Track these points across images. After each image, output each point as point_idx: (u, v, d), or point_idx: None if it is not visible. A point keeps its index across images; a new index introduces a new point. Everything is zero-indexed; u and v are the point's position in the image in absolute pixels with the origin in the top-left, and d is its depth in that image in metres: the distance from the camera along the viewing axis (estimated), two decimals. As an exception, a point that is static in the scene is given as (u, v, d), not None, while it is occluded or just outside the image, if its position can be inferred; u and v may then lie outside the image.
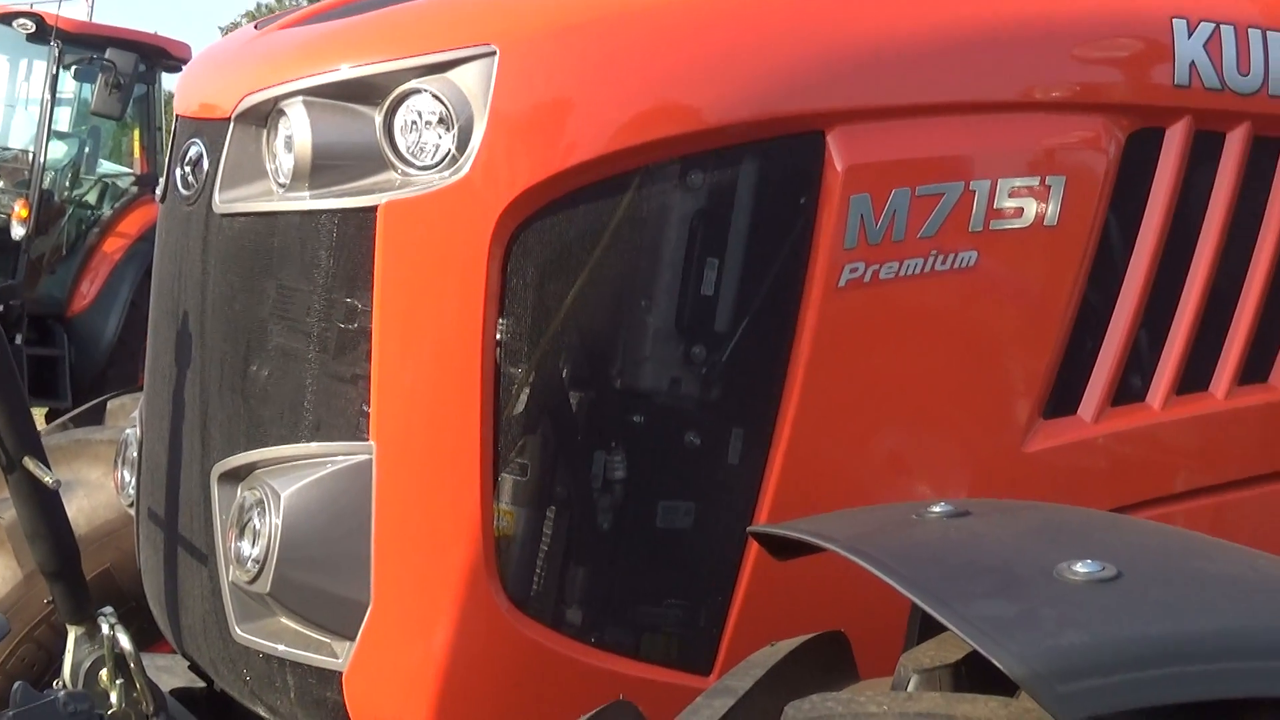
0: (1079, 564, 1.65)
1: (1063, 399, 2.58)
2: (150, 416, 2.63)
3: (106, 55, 12.18)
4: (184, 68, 2.49)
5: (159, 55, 13.15)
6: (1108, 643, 1.55)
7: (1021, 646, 1.51)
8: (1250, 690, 1.61)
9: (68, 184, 13.19)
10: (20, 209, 12.01)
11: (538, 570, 2.28)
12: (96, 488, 3.35)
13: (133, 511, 2.83)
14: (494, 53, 2.16)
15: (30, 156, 12.64)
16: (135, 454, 2.79)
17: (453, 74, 2.19)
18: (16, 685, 2.37)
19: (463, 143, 2.17)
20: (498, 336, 2.21)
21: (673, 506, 2.32)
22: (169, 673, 2.73)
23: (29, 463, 2.37)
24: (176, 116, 2.61)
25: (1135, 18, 2.61)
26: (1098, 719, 1.56)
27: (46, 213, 12.42)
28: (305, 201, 2.26)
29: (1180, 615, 1.66)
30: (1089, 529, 1.90)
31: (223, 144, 2.39)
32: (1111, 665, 1.52)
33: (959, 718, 1.65)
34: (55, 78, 12.54)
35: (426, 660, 2.25)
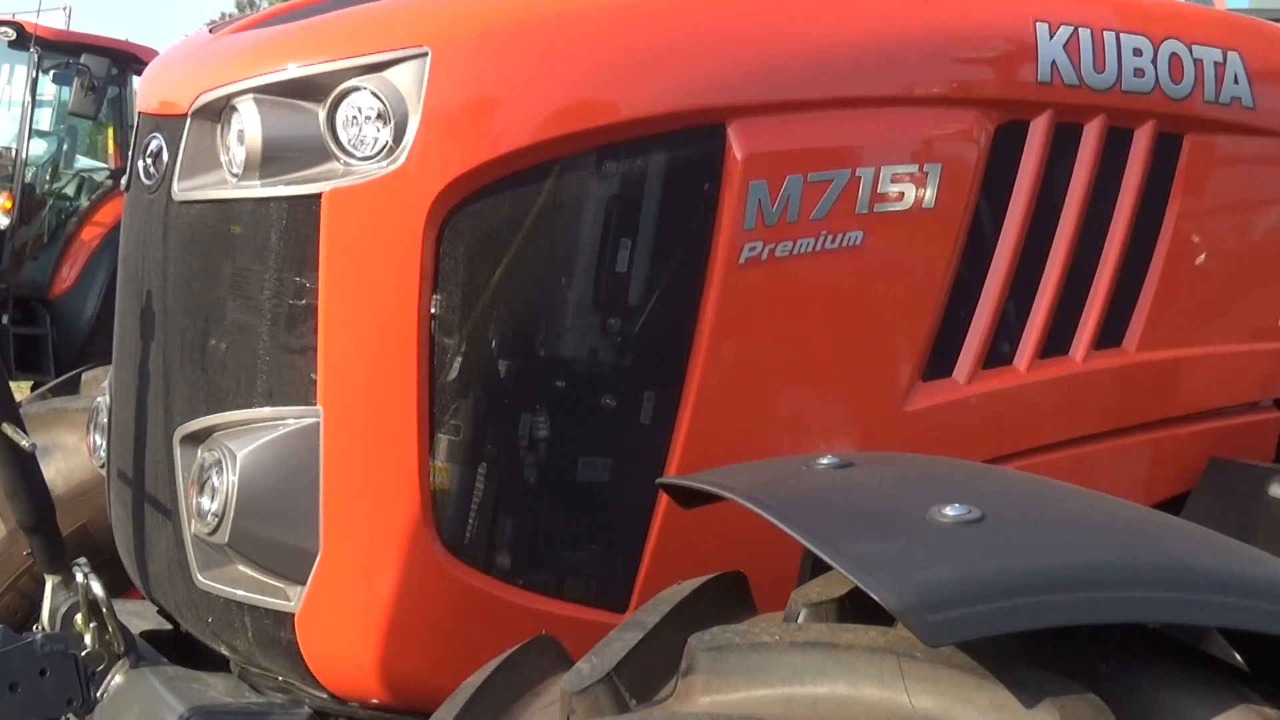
0: (948, 508, 1.69)
1: (939, 363, 2.61)
2: (119, 386, 2.63)
3: (82, 60, 12.42)
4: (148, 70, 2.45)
5: (130, 60, 13.28)
6: (972, 576, 1.60)
7: (896, 582, 1.55)
8: (1097, 617, 1.66)
9: (48, 178, 13.40)
10: (4, 201, 12.31)
11: (470, 520, 2.31)
12: (72, 451, 3.35)
13: (104, 472, 2.82)
14: (426, 54, 2.17)
15: (13, 153, 12.80)
16: (106, 420, 2.79)
17: (389, 73, 2.20)
18: None
19: (398, 135, 2.18)
20: (432, 311, 2.23)
21: (591, 462, 2.36)
22: (139, 617, 2.74)
23: (7, 428, 2.37)
24: (139, 113, 2.61)
25: (1003, 21, 2.65)
26: (963, 645, 1.61)
27: (29, 204, 12.69)
28: (256, 189, 2.27)
29: (1037, 552, 1.71)
30: (958, 477, 1.94)
31: (181, 137, 2.39)
32: (975, 596, 1.56)
33: (842, 645, 1.69)
34: (35, 81, 12.80)
35: (371, 602, 2.26)
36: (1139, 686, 1.69)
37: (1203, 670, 1.78)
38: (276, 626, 2.33)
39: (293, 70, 2.28)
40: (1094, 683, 1.64)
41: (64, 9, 16.01)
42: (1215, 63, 2.79)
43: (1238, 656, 1.99)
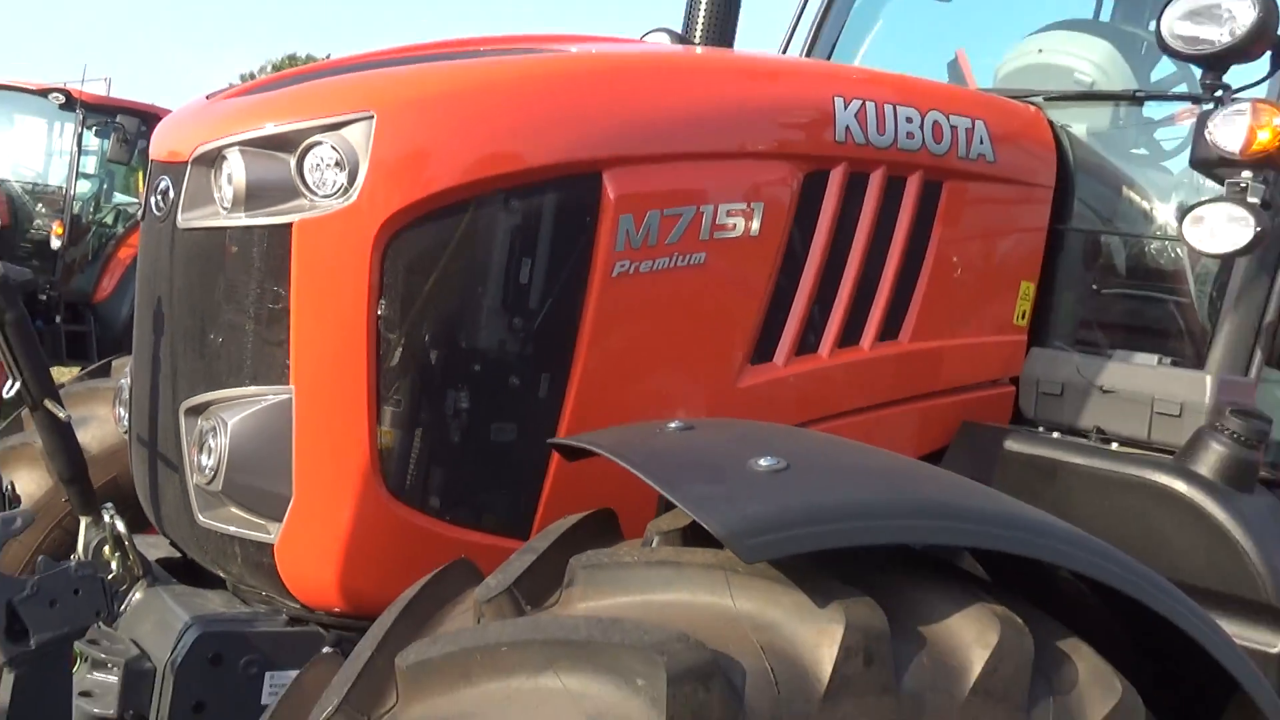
0: (762, 460, 1.71)
1: (763, 351, 2.63)
2: (137, 370, 2.59)
3: (118, 119, 12.52)
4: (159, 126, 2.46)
5: (156, 118, 13.15)
6: (778, 511, 1.61)
7: (722, 515, 1.56)
8: (873, 540, 1.69)
9: (92, 210, 13.44)
10: (57, 228, 12.64)
11: (409, 471, 2.29)
12: (104, 421, 3.30)
13: (126, 437, 2.79)
14: (372, 116, 2.16)
15: (64, 191, 13.00)
16: (127, 396, 2.76)
17: (344, 131, 2.17)
18: (40, 559, 2.35)
19: (351, 179, 2.16)
20: (379, 312, 2.21)
21: (501, 427, 2.35)
22: (154, 548, 2.70)
23: (48, 404, 2.35)
24: (151, 160, 2.57)
25: (810, 96, 2.68)
26: (774, 562, 1.63)
27: (76, 230, 12.92)
28: (242, 220, 2.24)
29: (828, 492, 1.74)
30: (771, 437, 1.97)
31: (183, 180, 2.35)
32: (781, 525, 1.58)
33: (684, 563, 1.70)
34: (80, 135, 12.97)
35: (332, 534, 2.24)
36: (903, 591, 1.72)
37: (954, 580, 1.82)
38: (260, 554, 2.30)
39: (269, 128, 2.24)
40: (871, 589, 1.66)
41: (105, 79, 16.22)
42: (966, 129, 2.84)
43: (981, 570, 2.03)
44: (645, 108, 2.45)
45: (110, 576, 2.46)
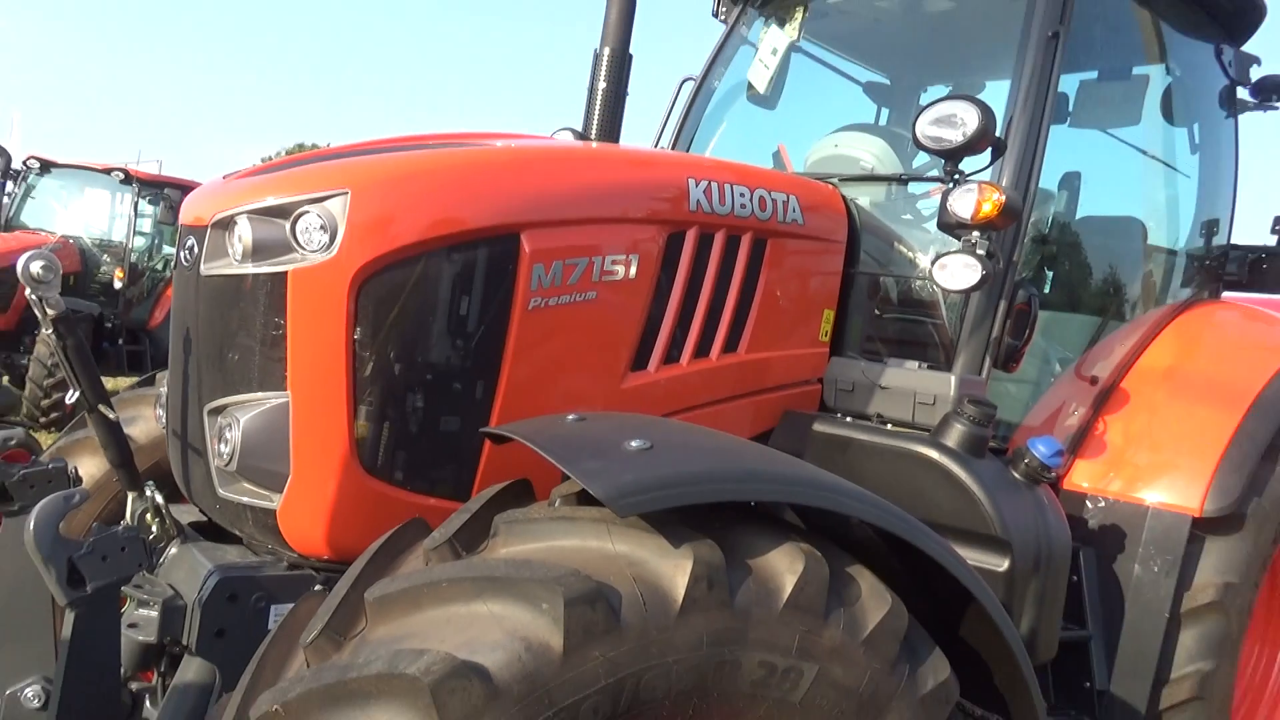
0: (634, 442, 1.71)
1: (640, 361, 2.62)
2: (171, 381, 2.51)
3: (165, 191, 12.41)
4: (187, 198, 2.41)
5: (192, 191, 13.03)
6: (643, 478, 1.62)
7: (603, 482, 1.57)
8: (714, 497, 1.70)
9: (146, 259, 12.91)
10: (119, 273, 12.29)
11: (379, 453, 2.24)
12: (149, 419, 3.19)
13: (165, 431, 2.69)
14: (347, 192, 2.12)
15: (124, 245, 12.60)
16: (165, 401, 2.67)
17: (326, 203, 2.13)
18: (94, 524, 2.27)
19: (332, 238, 2.12)
20: (354, 337, 2.16)
21: (449, 419, 2.31)
22: (187, 514, 2.60)
23: (101, 407, 2.27)
24: (180, 224, 2.50)
25: (671, 178, 2.68)
26: (644, 516, 1.63)
27: (134, 275, 12.50)
28: (250, 269, 2.18)
29: (681, 465, 1.74)
30: (641, 425, 1.97)
31: (204, 238, 2.29)
32: (645, 489, 1.59)
33: (577, 518, 1.71)
34: (136, 204, 12.58)
35: (321, 502, 2.19)
36: (736, 535, 1.74)
37: (774, 527, 1.84)
38: (266, 517, 2.24)
39: (270, 201, 2.19)
40: (713, 534, 1.68)
41: (158, 161, 16.00)
42: (783, 201, 2.87)
43: (799, 521, 2.06)
44: (552, 186, 2.44)
45: (151, 537, 2.39)
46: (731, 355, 2.84)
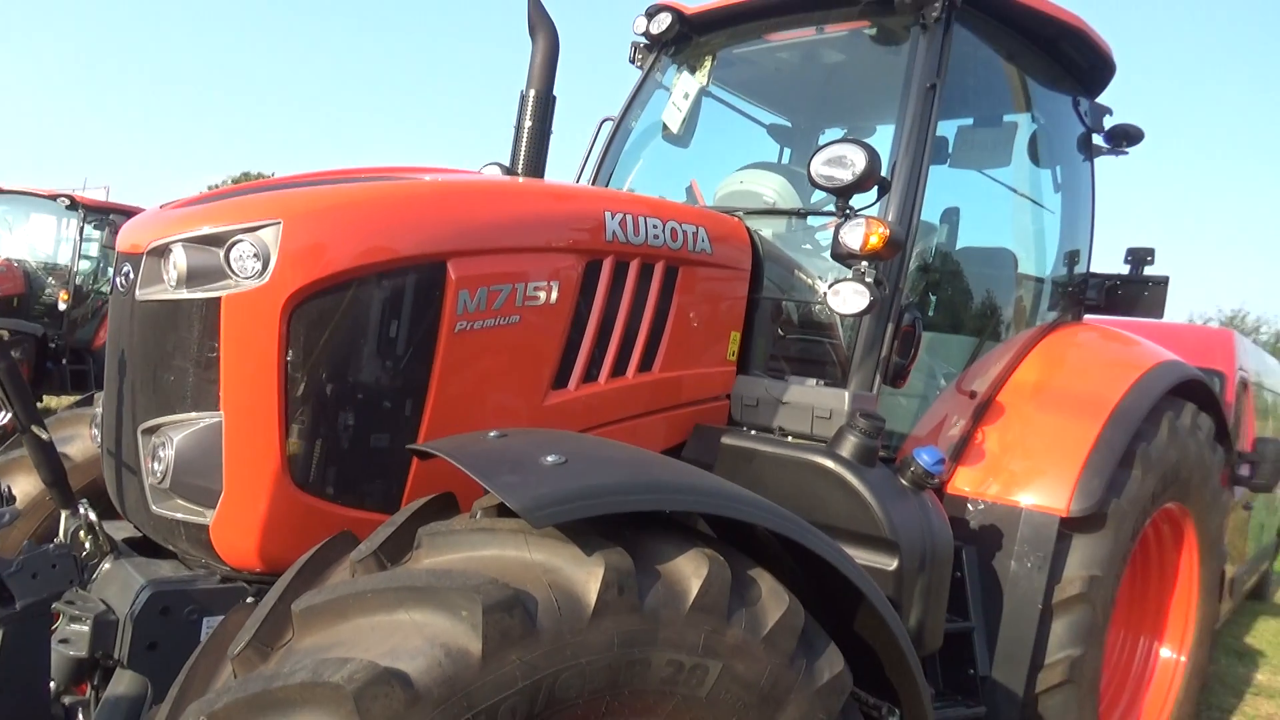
0: (549, 456, 1.69)
1: (561, 380, 2.60)
2: (107, 401, 2.39)
3: (111, 217, 11.98)
4: (123, 226, 2.31)
5: None
6: (556, 491, 1.60)
7: (519, 495, 1.54)
8: (623, 508, 1.69)
9: (91, 281, 12.48)
10: (64, 295, 11.91)
11: (311, 469, 2.17)
12: (86, 438, 3.05)
13: (100, 449, 2.58)
14: (279, 222, 2.07)
15: (69, 268, 12.24)
16: (100, 419, 2.55)
17: (259, 232, 2.07)
18: (25, 542, 2.15)
19: (265, 265, 2.06)
20: (287, 358, 2.10)
21: (378, 436, 2.25)
22: (121, 530, 2.48)
23: (34, 428, 2.15)
24: (117, 251, 2.39)
25: (590, 211, 2.67)
26: (559, 526, 1.61)
27: (78, 296, 12.11)
28: (184, 294, 2.10)
29: (593, 477, 1.72)
30: (557, 440, 1.95)
31: (140, 265, 2.20)
32: (558, 501, 1.57)
33: (497, 529, 1.67)
34: (82, 229, 12.24)
35: (253, 517, 2.11)
36: (645, 542, 1.72)
37: (681, 534, 1.83)
38: (199, 532, 2.16)
39: (206, 230, 2.12)
40: (623, 542, 1.66)
41: (105, 187, 15.53)
42: (693, 232, 2.89)
43: (709, 529, 2.05)
44: (477, 217, 2.41)
45: (84, 553, 2.28)
46: (646, 374, 2.83)
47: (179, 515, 2.17)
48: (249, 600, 2.11)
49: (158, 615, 2.10)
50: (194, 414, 2.12)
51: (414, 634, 1.46)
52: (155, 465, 2.14)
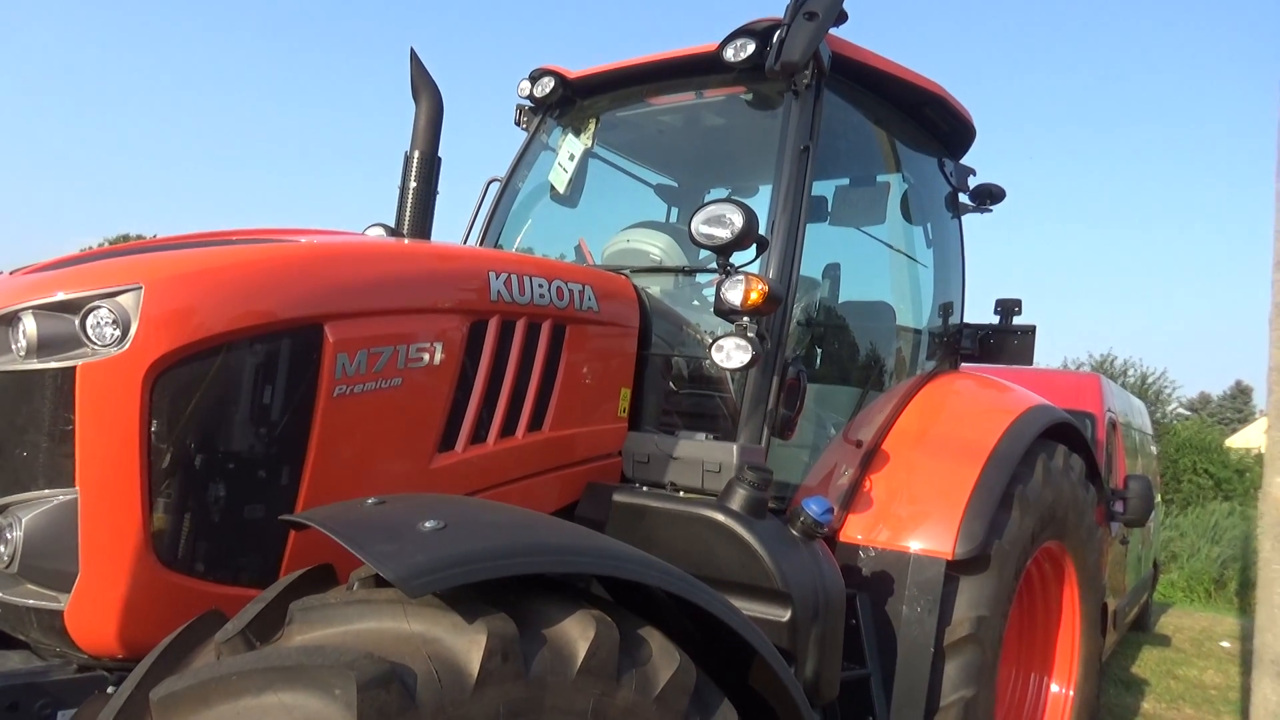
0: (428, 522, 1.65)
1: (448, 442, 2.55)
2: None
3: None
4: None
5: None
6: (434, 558, 1.56)
7: (394, 564, 1.49)
8: (503, 573, 1.65)
9: None
10: None
11: (180, 545, 2.06)
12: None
13: None
14: (140, 287, 1.98)
15: None
16: None
17: (119, 298, 1.97)
18: None
19: (125, 332, 1.96)
20: (151, 428, 2.00)
21: (252, 508, 2.15)
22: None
23: None
24: None
25: (474, 270, 2.66)
26: (439, 594, 1.56)
27: None
28: (35, 364, 1.98)
29: (472, 543, 1.68)
30: (437, 505, 1.90)
31: None
32: (434, 569, 1.52)
33: (373, 600, 1.62)
34: None
35: (113, 600, 1.98)
36: (530, 607, 1.69)
37: (567, 596, 1.80)
38: (52, 619, 2.00)
39: (60, 296, 2.01)
40: (506, 607, 1.63)
41: None
42: (579, 291, 2.91)
43: (603, 589, 2.02)
44: (356, 279, 2.36)
45: None
46: (536, 433, 2.81)
47: (29, 601, 2.01)
48: (109, 690, 1.96)
49: (5, 712, 1.92)
50: (46, 491, 1.99)
51: (283, 718, 1.38)
52: (1, 548, 1.99)
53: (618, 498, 2.87)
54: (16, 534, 1.96)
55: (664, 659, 1.79)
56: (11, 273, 2.27)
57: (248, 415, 2.15)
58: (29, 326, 1.97)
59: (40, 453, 2.00)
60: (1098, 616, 4.45)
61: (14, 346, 2.02)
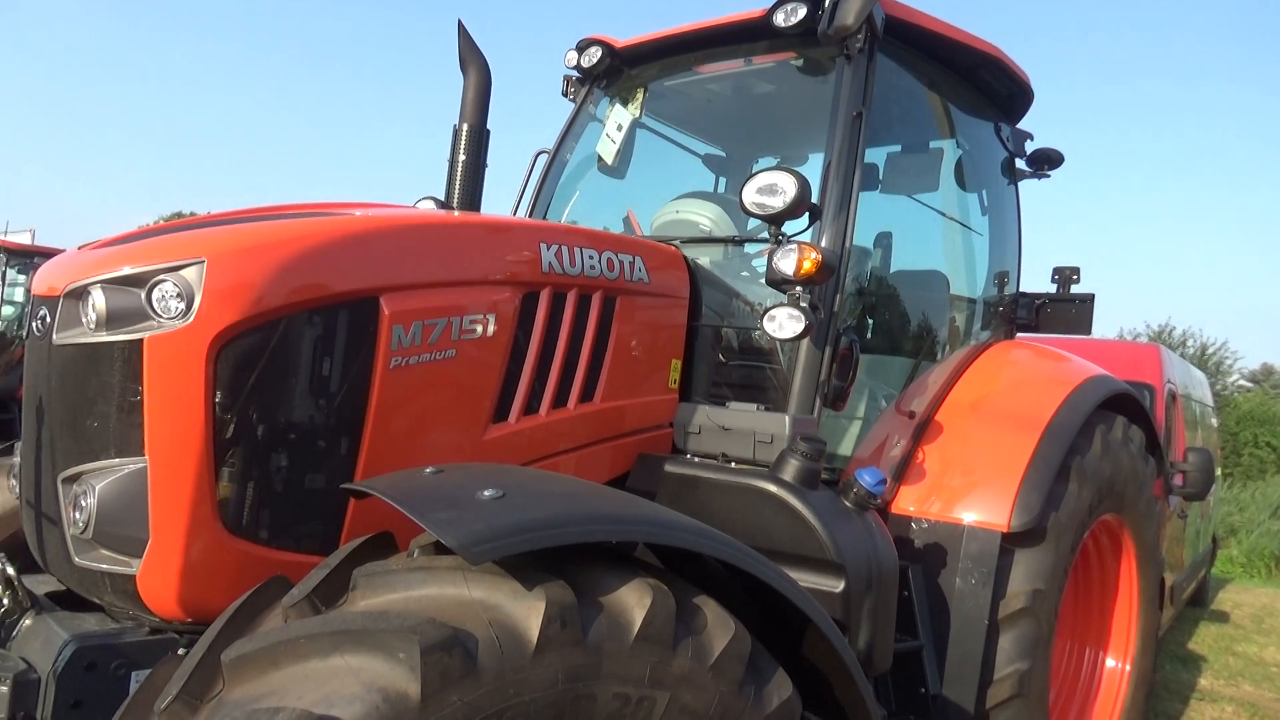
0: (486, 491, 1.67)
1: (501, 413, 2.58)
2: (25, 449, 2.30)
3: (35, 260, 11.61)
4: (39, 269, 2.25)
5: None
6: (493, 526, 1.58)
7: (455, 532, 1.52)
8: (560, 541, 1.66)
9: (16, 328, 12.01)
10: None
11: (244, 513, 2.12)
12: (4, 489, 2.94)
13: (19, 500, 2.47)
14: (203, 261, 2.03)
15: None
16: (19, 470, 2.45)
17: (183, 272, 2.02)
18: None
19: (189, 305, 2.01)
20: (215, 399, 2.05)
21: (313, 476, 2.20)
22: (44, 584, 2.39)
23: None
24: (33, 295, 2.31)
25: (525, 242, 2.67)
26: (498, 562, 1.58)
27: (2, 343, 11.77)
28: (104, 337, 2.04)
29: (530, 511, 1.70)
30: (495, 474, 1.93)
31: (57, 308, 2.13)
32: (495, 536, 1.54)
33: (434, 566, 1.65)
34: (4, 274, 11.93)
35: (182, 565, 2.04)
36: (586, 574, 1.71)
37: (623, 565, 1.82)
38: (125, 583, 2.07)
39: (126, 270, 2.06)
40: (564, 575, 1.65)
41: (30, 230, 15.02)
42: (629, 262, 2.91)
43: (655, 558, 2.04)
44: (410, 252, 2.38)
45: (2, 610, 2.18)
46: (588, 404, 2.82)
47: (103, 566, 2.09)
48: (179, 652, 2.03)
49: (82, 671, 2.01)
50: (117, 460, 2.05)
51: (350, 679, 1.41)
52: (77, 515, 2.06)
53: (669, 468, 2.88)
54: (91, 501, 2.03)
55: (719, 627, 1.80)
56: (79, 248, 2.33)
57: (308, 386, 2.19)
58: (98, 300, 2.03)
59: (111, 423, 2.07)
60: (1155, 591, 4.37)
61: (84, 319, 2.08)
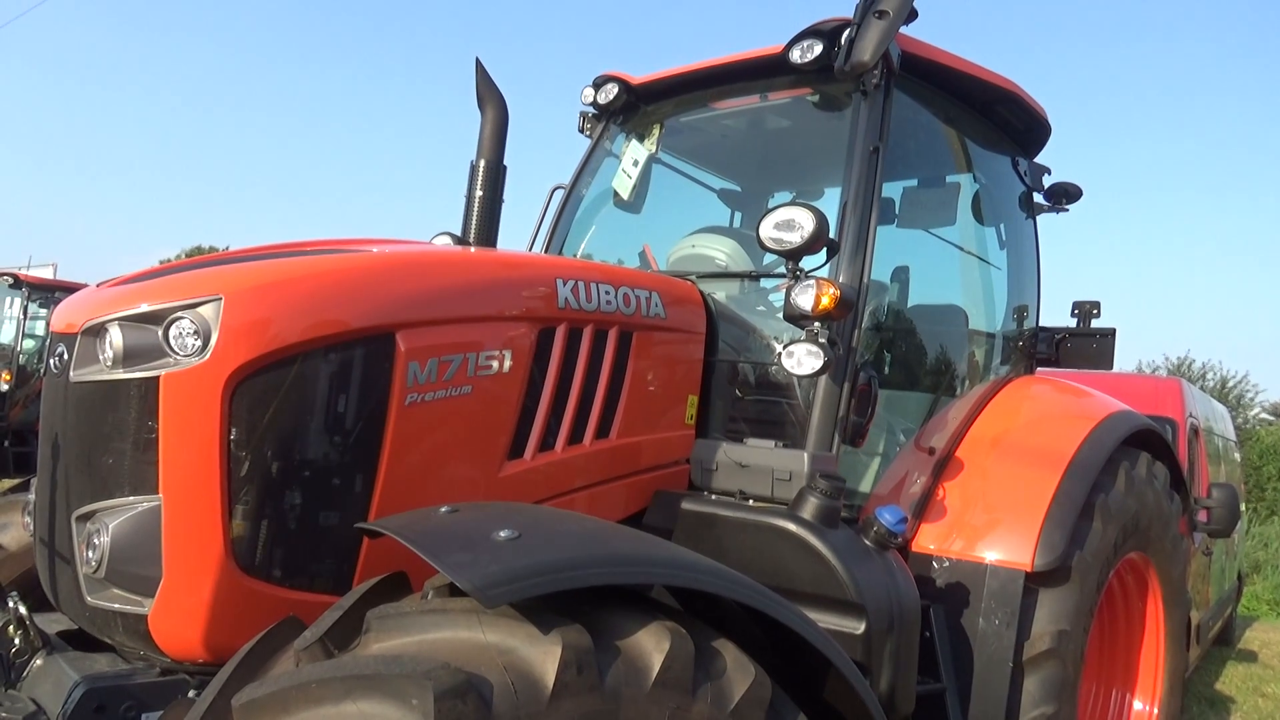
0: (502, 532, 1.64)
1: (516, 450, 2.56)
2: (39, 487, 2.30)
3: (56, 295, 11.74)
4: (58, 307, 2.27)
5: None
6: (509, 568, 1.55)
7: (470, 574, 1.49)
8: (578, 584, 1.63)
9: (36, 361, 12.20)
10: (6, 375, 11.74)
11: (257, 552, 2.09)
12: (19, 526, 2.95)
13: (33, 538, 2.47)
14: (220, 298, 2.03)
15: (12, 348, 11.99)
16: (33, 507, 2.44)
17: (199, 309, 2.03)
18: None
19: (205, 342, 2.01)
20: (230, 437, 2.04)
21: (327, 515, 2.18)
22: (56, 623, 2.37)
23: None
24: (51, 331, 2.32)
25: (541, 278, 2.66)
26: (514, 605, 1.55)
27: (22, 377, 11.86)
28: (120, 374, 2.04)
29: (546, 553, 1.67)
30: (511, 513, 1.90)
31: (74, 345, 2.14)
32: (510, 579, 1.52)
33: (448, 609, 1.62)
34: (25, 307, 12.14)
35: (195, 604, 2.02)
36: (604, 618, 1.68)
37: (640, 607, 1.79)
38: (137, 623, 2.06)
39: (144, 308, 2.07)
40: (581, 618, 1.61)
41: (52, 265, 15.21)
42: (646, 297, 2.89)
43: (673, 599, 2.00)
44: (426, 288, 2.38)
45: (14, 650, 2.16)
46: (604, 441, 2.80)
47: (115, 606, 2.07)
48: (190, 694, 2.00)
49: (92, 714, 1.99)
50: (131, 498, 2.04)
51: (362, 726, 1.38)
52: (90, 554, 2.05)
53: (686, 506, 2.84)
54: (104, 540, 2.01)
55: (739, 672, 1.76)
56: (97, 285, 2.34)
57: (323, 423, 2.18)
58: (115, 337, 2.03)
59: (126, 460, 2.06)
60: (1182, 631, 4.27)
61: (101, 357, 2.08)
